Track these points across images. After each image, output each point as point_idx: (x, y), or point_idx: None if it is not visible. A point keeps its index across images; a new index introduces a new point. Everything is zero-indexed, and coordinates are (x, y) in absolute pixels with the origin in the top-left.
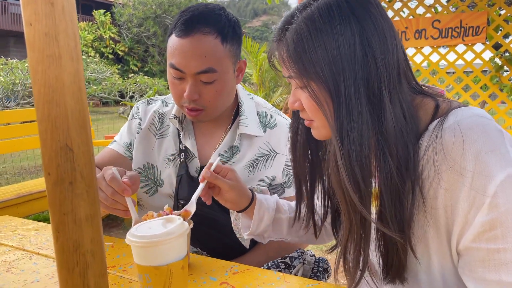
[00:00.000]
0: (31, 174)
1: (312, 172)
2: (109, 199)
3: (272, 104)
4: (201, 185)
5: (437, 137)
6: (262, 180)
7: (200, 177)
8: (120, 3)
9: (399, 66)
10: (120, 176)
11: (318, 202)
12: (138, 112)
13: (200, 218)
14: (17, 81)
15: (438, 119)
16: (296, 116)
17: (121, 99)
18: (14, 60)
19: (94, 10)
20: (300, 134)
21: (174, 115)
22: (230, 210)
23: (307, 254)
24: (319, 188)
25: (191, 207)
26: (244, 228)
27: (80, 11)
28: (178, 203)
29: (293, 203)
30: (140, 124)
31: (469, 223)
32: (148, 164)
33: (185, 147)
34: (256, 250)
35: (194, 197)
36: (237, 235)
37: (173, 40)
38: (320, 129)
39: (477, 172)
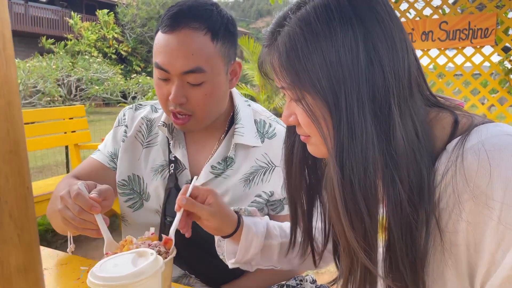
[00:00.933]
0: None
1: (309, 193)
2: (76, 218)
3: (274, 107)
4: (178, 215)
5: (457, 159)
6: (259, 196)
7: (176, 206)
8: (123, 3)
9: (410, 75)
10: (90, 190)
11: (317, 225)
12: (124, 119)
13: (194, 237)
14: (19, 81)
15: (459, 138)
16: (291, 130)
17: (123, 100)
18: (16, 60)
19: (97, 10)
20: (296, 151)
21: (163, 122)
22: None
23: (306, 281)
24: (318, 210)
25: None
26: (229, 255)
27: (84, 11)
28: (165, 220)
29: (286, 225)
30: (125, 132)
31: (497, 264)
32: (133, 175)
33: (175, 157)
34: (250, 274)
35: (172, 231)
36: (220, 256)
37: (159, 37)
38: (319, 146)
39: (507, 203)
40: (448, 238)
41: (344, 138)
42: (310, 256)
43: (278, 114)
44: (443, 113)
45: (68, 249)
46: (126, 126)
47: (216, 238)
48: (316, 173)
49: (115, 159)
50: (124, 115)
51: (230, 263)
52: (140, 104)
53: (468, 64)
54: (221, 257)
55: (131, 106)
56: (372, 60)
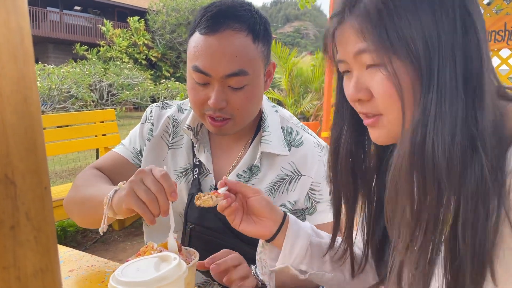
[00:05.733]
0: (62, 178)
1: (354, 189)
2: (151, 194)
3: (301, 111)
4: (222, 189)
5: None
6: (284, 205)
7: (219, 183)
8: (153, 10)
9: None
10: None
11: (357, 235)
12: (151, 116)
13: (212, 246)
14: (53, 86)
15: None
16: (338, 123)
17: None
18: (51, 66)
19: (128, 17)
20: (344, 142)
21: (188, 125)
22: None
23: None
24: (362, 212)
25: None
26: (272, 260)
27: (116, 18)
28: (186, 226)
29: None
30: (152, 130)
31: None
32: None
33: (199, 161)
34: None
35: (223, 189)
36: (260, 276)
37: (197, 39)
38: (389, 127)
39: None
40: None
41: (432, 103)
42: (348, 264)
43: (305, 118)
44: (510, 106)
45: (100, 229)
46: (152, 124)
47: (258, 250)
48: (361, 167)
49: (139, 156)
50: (151, 112)
51: (277, 264)
52: (167, 103)
53: (504, 67)
54: (260, 276)
55: (158, 104)
56: (468, 28)
